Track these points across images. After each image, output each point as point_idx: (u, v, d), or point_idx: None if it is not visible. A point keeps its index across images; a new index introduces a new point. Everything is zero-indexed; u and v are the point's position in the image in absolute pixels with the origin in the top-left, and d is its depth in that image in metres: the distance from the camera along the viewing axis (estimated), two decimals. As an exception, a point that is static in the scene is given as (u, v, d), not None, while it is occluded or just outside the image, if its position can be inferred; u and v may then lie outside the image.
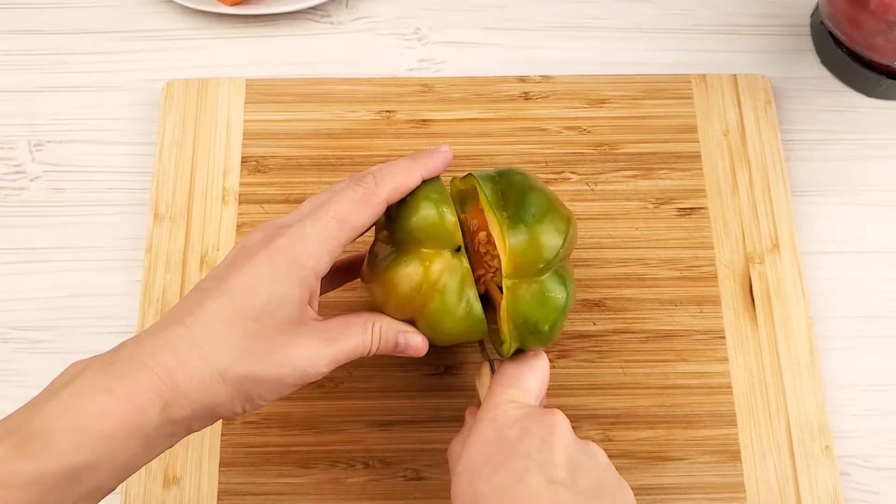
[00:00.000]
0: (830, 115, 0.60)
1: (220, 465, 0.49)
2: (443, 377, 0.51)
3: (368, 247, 0.44)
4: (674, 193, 0.56)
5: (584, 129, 0.57)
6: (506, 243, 0.41)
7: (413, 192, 0.41)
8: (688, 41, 0.62)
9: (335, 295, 0.48)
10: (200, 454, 0.49)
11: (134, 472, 0.36)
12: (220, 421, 0.50)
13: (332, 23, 0.62)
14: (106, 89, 0.60)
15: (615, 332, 0.52)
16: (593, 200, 0.56)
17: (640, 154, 0.57)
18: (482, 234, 0.42)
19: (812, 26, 0.62)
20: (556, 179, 0.56)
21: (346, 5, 0.63)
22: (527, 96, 0.58)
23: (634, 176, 0.56)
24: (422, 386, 0.51)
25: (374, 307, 0.43)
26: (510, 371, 0.42)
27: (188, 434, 0.37)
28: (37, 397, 0.35)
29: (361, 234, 0.41)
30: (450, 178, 0.47)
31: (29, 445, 0.32)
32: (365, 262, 0.44)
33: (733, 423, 0.50)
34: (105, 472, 0.34)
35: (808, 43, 0.62)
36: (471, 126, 0.57)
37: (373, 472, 0.49)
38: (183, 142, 0.57)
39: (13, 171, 0.57)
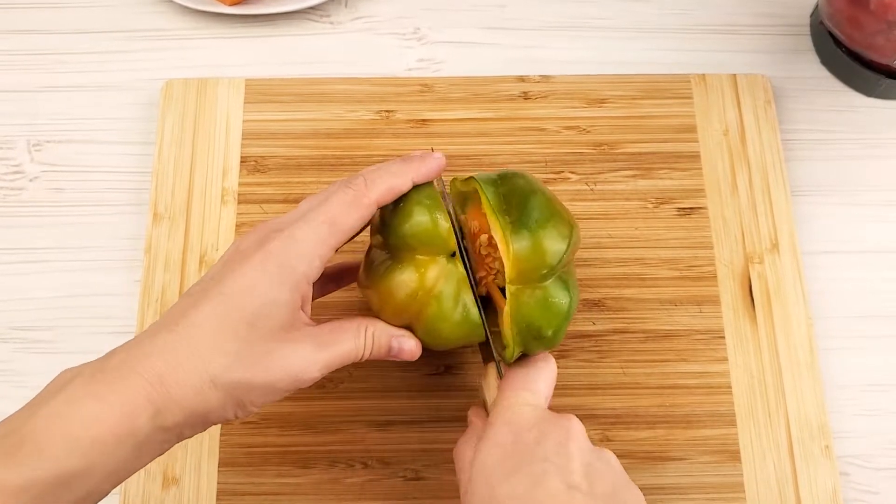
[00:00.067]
0: (830, 114, 0.60)
1: (219, 465, 0.49)
2: (443, 377, 0.51)
3: (361, 252, 0.44)
4: (673, 193, 0.56)
5: (584, 129, 0.57)
6: (509, 249, 0.40)
7: (405, 198, 0.41)
8: (687, 41, 0.62)
9: (335, 295, 0.48)
10: (199, 454, 0.49)
11: (125, 479, 0.36)
12: (220, 421, 0.50)
13: (331, 22, 0.62)
14: (105, 89, 0.60)
15: (615, 332, 0.52)
16: (593, 200, 0.55)
17: (640, 154, 0.57)
18: (483, 237, 0.42)
19: (812, 26, 0.62)
20: (555, 179, 0.56)
21: (346, 5, 0.63)
22: (526, 96, 0.58)
23: (634, 176, 0.56)
24: (421, 386, 0.51)
25: (371, 312, 0.43)
26: (520, 374, 0.42)
27: (179, 441, 0.37)
28: (28, 404, 0.35)
29: (353, 237, 0.41)
30: (450, 179, 0.47)
31: (20, 452, 0.33)
32: (361, 267, 0.44)
33: (733, 423, 0.50)
34: (96, 479, 0.34)
35: (807, 43, 0.62)
36: (470, 126, 0.57)
37: (372, 473, 0.49)
38: (182, 141, 0.57)
39: (12, 171, 0.57)
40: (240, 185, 0.55)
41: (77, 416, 0.34)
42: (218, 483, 0.48)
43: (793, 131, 0.59)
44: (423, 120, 0.58)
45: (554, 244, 0.41)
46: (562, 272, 0.42)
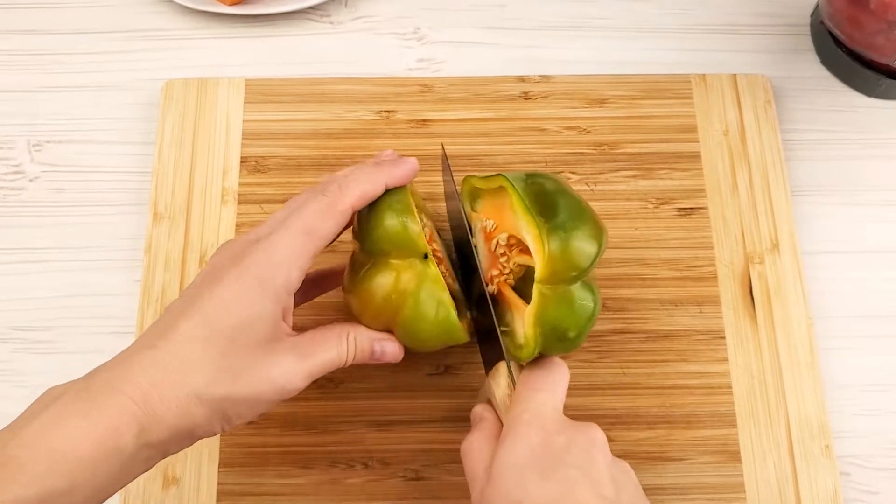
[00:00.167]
0: (830, 114, 0.60)
1: (220, 465, 0.49)
2: (443, 377, 0.51)
3: (342, 257, 0.44)
4: (674, 193, 0.56)
5: (584, 129, 0.57)
6: (545, 250, 0.40)
7: (377, 203, 0.42)
8: (687, 41, 0.62)
9: (325, 297, 0.48)
10: (200, 455, 0.49)
11: (111, 496, 0.35)
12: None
13: (331, 22, 0.62)
14: (105, 89, 0.60)
15: (615, 332, 0.52)
16: (593, 200, 0.55)
17: (640, 154, 0.57)
18: (503, 236, 0.42)
19: (812, 26, 0.62)
20: (555, 179, 0.56)
21: (346, 5, 0.63)
22: (526, 96, 0.58)
23: (634, 176, 0.56)
24: (421, 386, 0.51)
25: (353, 317, 0.43)
26: (538, 374, 0.42)
27: (164, 457, 0.37)
28: (13, 422, 0.35)
29: (331, 243, 0.41)
30: (462, 177, 0.47)
31: (3, 472, 0.32)
32: (345, 273, 0.44)
33: (733, 424, 0.50)
34: (80, 497, 0.34)
35: (807, 43, 0.62)
36: (470, 126, 0.57)
37: (372, 473, 0.49)
38: (182, 141, 0.57)
39: (12, 172, 0.57)
40: (240, 185, 0.55)
41: (61, 434, 0.34)
42: (218, 483, 0.48)
43: (793, 131, 0.59)
44: (424, 120, 0.58)
45: (587, 247, 0.41)
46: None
